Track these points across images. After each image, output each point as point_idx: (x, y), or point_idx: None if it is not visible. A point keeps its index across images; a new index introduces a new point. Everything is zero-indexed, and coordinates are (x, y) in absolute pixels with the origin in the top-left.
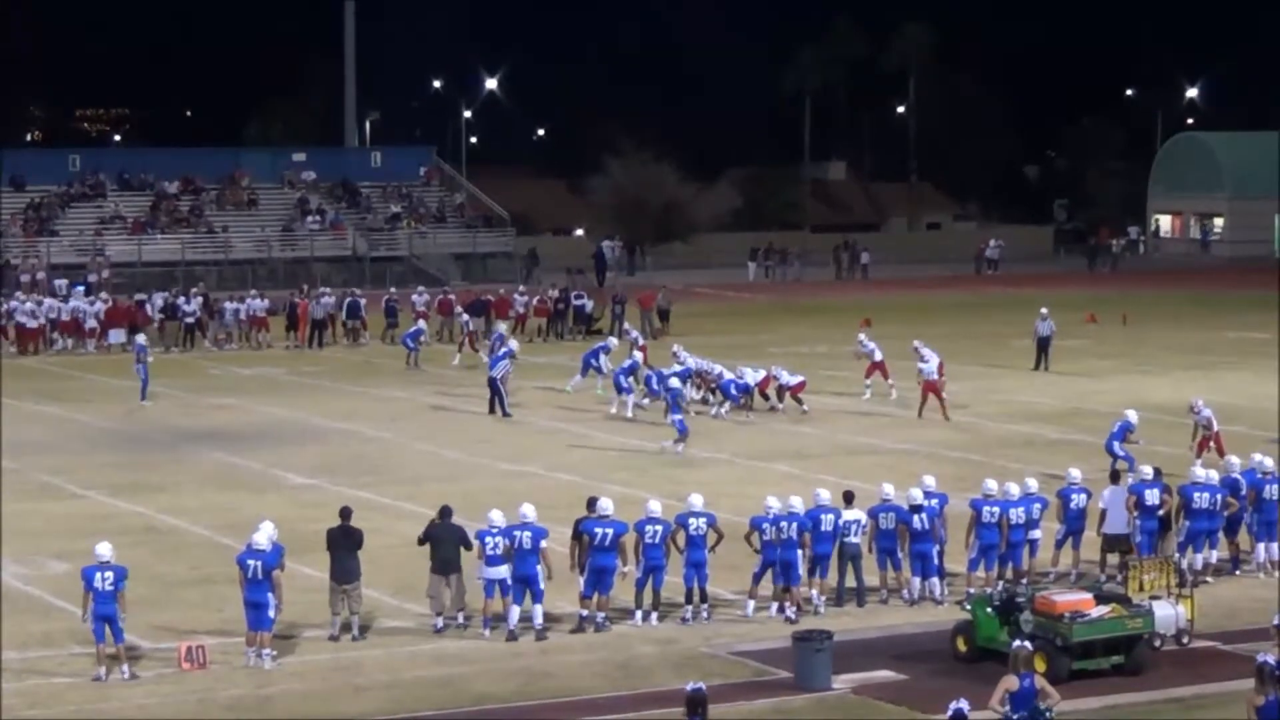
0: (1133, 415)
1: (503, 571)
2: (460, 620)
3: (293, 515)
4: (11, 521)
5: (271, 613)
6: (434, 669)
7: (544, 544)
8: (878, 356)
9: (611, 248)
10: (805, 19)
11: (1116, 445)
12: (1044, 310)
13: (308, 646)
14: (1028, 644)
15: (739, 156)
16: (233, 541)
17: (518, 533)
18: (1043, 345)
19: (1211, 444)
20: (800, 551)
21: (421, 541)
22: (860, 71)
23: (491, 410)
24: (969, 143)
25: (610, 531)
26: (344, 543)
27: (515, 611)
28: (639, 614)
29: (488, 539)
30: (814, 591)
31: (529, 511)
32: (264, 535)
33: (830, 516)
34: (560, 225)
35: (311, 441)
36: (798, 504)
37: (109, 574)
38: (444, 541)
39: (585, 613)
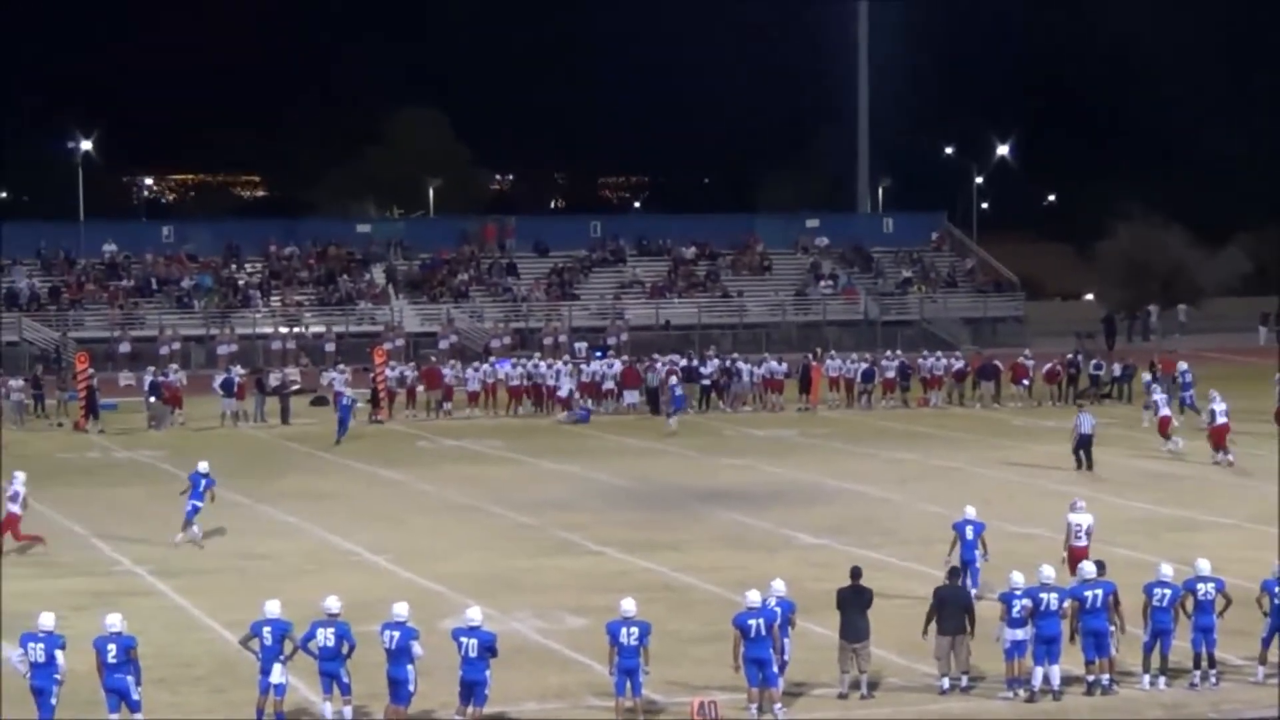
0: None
1: (1020, 634)
2: (964, 682)
3: (802, 574)
4: (530, 576)
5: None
6: None
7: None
8: None
9: (1151, 311)
10: None
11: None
12: None
13: (815, 704)
14: None
15: (1249, 219)
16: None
17: (1043, 595)
18: None
19: None
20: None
21: (929, 616)
22: None
23: (1081, 466)
24: None
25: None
26: (854, 601)
27: (1039, 673)
28: (1146, 678)
29: (1014, 602)
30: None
31: (1049, 572)
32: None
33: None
34: (1069, 290)
35: (821, 502)
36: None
37: (634, 630)
38: (949, 603)
39: (1091, 678)
